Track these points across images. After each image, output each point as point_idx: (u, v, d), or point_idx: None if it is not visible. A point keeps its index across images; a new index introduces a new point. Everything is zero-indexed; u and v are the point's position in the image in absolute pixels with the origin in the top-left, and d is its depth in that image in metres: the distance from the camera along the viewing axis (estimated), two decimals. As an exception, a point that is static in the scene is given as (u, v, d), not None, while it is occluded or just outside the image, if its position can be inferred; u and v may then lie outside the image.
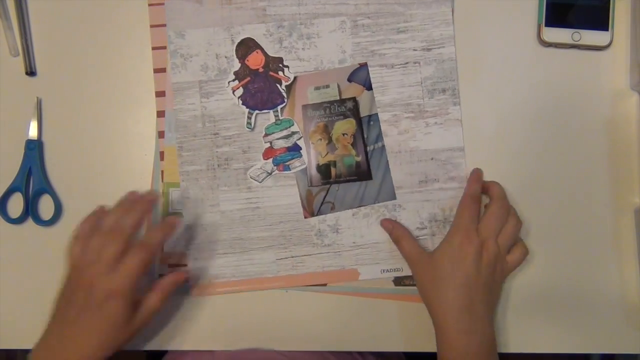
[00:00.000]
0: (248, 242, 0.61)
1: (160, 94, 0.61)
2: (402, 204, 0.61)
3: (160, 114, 0.61)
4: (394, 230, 0.59)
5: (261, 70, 0.60)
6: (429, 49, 0.60)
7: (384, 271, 0.60)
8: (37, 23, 0.61)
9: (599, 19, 0.60)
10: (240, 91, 0.60)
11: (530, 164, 0.61)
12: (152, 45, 0.61)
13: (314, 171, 0.61)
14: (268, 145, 0.60)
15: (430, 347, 0.61)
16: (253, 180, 0.60)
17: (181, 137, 0.60)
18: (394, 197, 0.60)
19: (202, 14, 0.60)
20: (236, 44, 0.60)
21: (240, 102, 0.60)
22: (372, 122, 0.60)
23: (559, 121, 0.61)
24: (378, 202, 0.60)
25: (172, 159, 0.61)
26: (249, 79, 0.60)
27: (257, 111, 0.60)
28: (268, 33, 0.60)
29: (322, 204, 0.60)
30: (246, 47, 0.60)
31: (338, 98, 0.60)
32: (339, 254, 0.61)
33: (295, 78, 0.60)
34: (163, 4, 0.61)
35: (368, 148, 0.60)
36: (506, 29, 0.61)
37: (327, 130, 0.60)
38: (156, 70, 0.61)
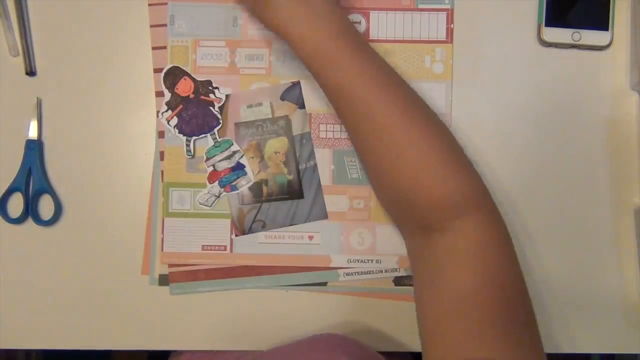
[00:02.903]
0: None
1: (159, 94, 0.61)
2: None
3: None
4: None
5: (192, 96, 0.60)
6: None
7: (350, 261, 0.60)
8: (37, 23, 0.61)
9: (599, 19, 0.60)
10: (175, 120, 0.60)
11: (530, 163, 0.61)
12: (152, 45, 0.61)
13: (245, 189, 0.60)
14: (211, 168, 0.60)
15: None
16: (203, 206, 0.60)
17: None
18: (325, 216, 0.60)
19: None
20: (163, 74, 0.60)
21: (177, 130, 0.60)
22: (304, 141, 0.60)
23: (559, 121, 0.61)
24: (309, 221, 0.60)
25: (172, 159, 0.61)
26: (181, 106, 0.60)
27: (194, 137, 0.60)
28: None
29: (252, 222, 0.60)
30: (173, 75, 0.60)
31: (270, 116, 0.60)
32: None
33: (227, 96, 0.60)
34: (164, 4, 0.61)
35: (300, 167, 0.60)
36: (506, 29, 0.61)
37: (259, 148, 0.60)
38: (156, 70, 0.61)
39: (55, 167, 0.61)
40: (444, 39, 0.61)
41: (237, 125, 0.60)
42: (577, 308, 0.61)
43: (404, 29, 0.61)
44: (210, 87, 0.60)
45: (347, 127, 0.53)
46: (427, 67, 0.61)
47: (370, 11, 0.61)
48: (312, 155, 0.60)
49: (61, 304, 0.60)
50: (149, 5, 0.61)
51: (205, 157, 0.60)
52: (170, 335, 0.61)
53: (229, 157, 0.60)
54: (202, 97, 0.60)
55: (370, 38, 0.61)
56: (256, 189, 0.60)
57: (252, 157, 0.60)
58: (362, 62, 0.50)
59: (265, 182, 0.60)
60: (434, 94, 0.61)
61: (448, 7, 0.61)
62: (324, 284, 0.61)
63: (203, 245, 0.61)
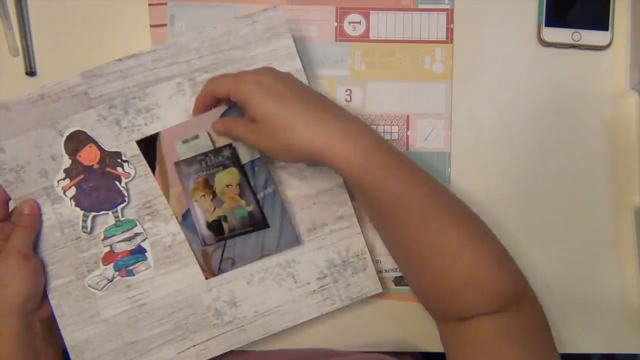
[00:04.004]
0: (142, 344, 0.56)
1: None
2: (296, 258, 0.57)
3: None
4: (224, 125, 0.52)
5: (96, 166, 0.54)
6: None
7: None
8: (37, 23, 0.61)
9: (599, 19, 0.60)
10: (72, 191, 0.54)
11: (530, 163, 0.61)
12: (152, 45, 0.61)
13: (204, 230, 0.55)
14: (108, 249, 0.55)
15: (429, 347, 0.61)
16: (92, 289, 0.55)
17: (42, 252, 0.55)
18: (297, 242, 0.56)
19: (15, 119, 0.54)
20: (64, 138, 0.54)
21: (74, 203, 0.55)
22: (256, 167, 0.55)
23: (559, 121, 0.61)
24: (280, 249, 0.56)
25: None
26: (82, 176, 0.54)
27: (93, 213, 0.55)
28: (101, 117, 0.55)
29: (221, 262, 0.56)
30: (76, 141, 0.54)
31: (212, 148, 0.55)
32: (244, 329, 0.57)
33: (157, 134, 0.55)
34: (164, 4, 0.61)
35: (258, 195, 0.55)
36: (506, 29, 0.61)
37: (208, 184, 0.55)
38: None
39: (55, 167, 0.61)
40: (444, 39, 0.61)
41: (177, 164, 0.55)
42: (577, 308, 0.61)
43: (404, 29, 0.61)
44: (119, 160, 0.55)
45: (393, 235, 0.52)
46: (427, 67, 0.61)
47: (370, 11, 0.61)
48: (269, 180, 0.55)
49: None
50: (149, 5, 0.61)
51: (102, 236, 0.55)
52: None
53: (129, 239, 0.55)
54: (108, 168, 0.55)
55: (370, 38, 0.61)
56: (216, 227, 0.55)
57: (204, 196, 0.55)
58: (410, 170, 0.50)
59: (224, 218, 0.55)
60: (433, 94, 0.61)
61: (448, 7, 0.61)
62: None
63: None
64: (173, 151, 0.55)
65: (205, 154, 0.55)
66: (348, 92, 0.61)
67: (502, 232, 0.61)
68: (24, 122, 0.54)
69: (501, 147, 0.61)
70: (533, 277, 0.60)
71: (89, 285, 0.55)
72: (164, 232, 0.56)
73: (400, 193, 0.49)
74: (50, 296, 0.55)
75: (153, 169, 0.55)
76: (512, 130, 0.61)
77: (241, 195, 0.55)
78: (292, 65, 0.56)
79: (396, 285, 0.61)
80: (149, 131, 0.55)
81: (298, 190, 0.57)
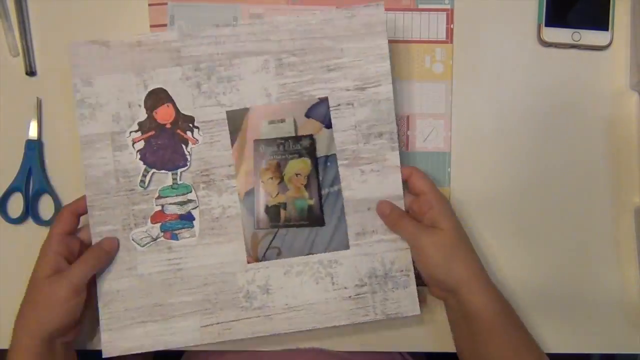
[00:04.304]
0: (169, 309, 0.56)
1: None
2: (339, 259, 0.56)
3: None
4: (391, 214, 0.55)
5: (169, 126, 0.55)
6: (363, 89, 0.55)
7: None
8: (37, 23, 0.61)
9: (599, 19, 0.60)
10: (141, 144, 0.55)
11: (530, 163, 0.61)
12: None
13: (261, 213, 0.55)
14: (159, 208, 0.55)
15: (432, 347, 0.61)
16: (135, 243, 0.55)
17: (92, 195, 0.55)
18: (347, 247, 0.56)
19: (111, 58, 0.55)
20: (146, 92, 0.55)
21: (139, 156, 0.55)
22: (329, 164, 0.56)
23: (559, 121, 0.61)
24: (330, 251, 0.56)
25: None
26: (153, 132, 0.55)
27: (154, 170, 0.55)
28: (184, 77, 0.55)
29: (267, 249, 0.56)
30: (156, 97, 0.55)
31: (294, 134, 0.56)
32: (270, 318, 0.56)
33: (247, 109, 0.55)
34: (164, 4, 0.61)
35: (323, 191, 0.55)
36: (506, 29, 0.61)
37: (279, 169, 0.55)
38: None
39: (55, 167, 0.61)
40: (444, 39, 0.61)
41: (257, 142, 0.56)
42: (577, 308, 0.61)
43: (404, 29, 0.61)
44: (190, 124, 0.55)
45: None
46: (427, 67, 0.61)
47: None
48: (336, 179, 0.55)
49: (61, 304, 0.60)
50: (149, 5, 0.61)
51: (157, 194, 0.56)
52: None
53: (181, 204, 0.55)
54: (179, 131, 0.55)
55: None
56: (273, 212, 0.56)
57: (271, 178, 0.56)
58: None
59: (284, 205, 0.56)
60: (434, 94, 0.61)
61: (448, 7, 0.61)
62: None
63: None
64: (257, 129, 0.56)
65: (286, 139, 0.56)
66: None
67: (502, 232, 0.61)
68: (117, 64, 0.55)
69: (501, 147, 0.61)
70: (533, 277, 0.60)
71: (132, 239, 0.55)
72: (215, 203, 0.56)
73: (519, 328, 0.55)
74: (93, 240, 0.55)
75: (232, 142, 0.56)
76: (512, 130, 0.61)
77: (307, 187, 0.56)
78: (381, 66, 0.56)
79: None
80: (225, 101, 0.55)
81: (356, 192, 0.56)
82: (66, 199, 0.60)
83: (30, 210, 0.60)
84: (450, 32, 0.61)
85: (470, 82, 0.61)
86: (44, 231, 0.60)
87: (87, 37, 0.60)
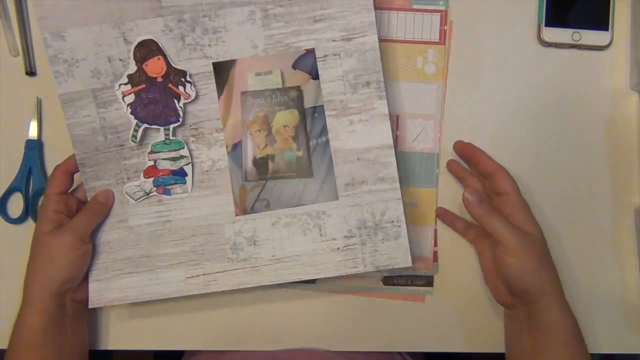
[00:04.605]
0: (155, 260, 0.56)
1: None
2: (327, 211, 0.55)
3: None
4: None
5: (160, 79, 0.54)
6: (349, 39, 0.55)
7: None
8: (37, 23, 0.61)
9: (599, 19, 0.60)
10: (131, 97, 0.54)
11: (530, 163, 0.61)
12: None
13: (249, 165, 0.55)
14: (152, 163, 0.55)
15: (430, 347, 0.61)
16: (128, 197, 0.56)
17: (81, 153, 0.55)
18: (336, 198, 0.55)
19: (83, 8, 0.53)
20: (135, 43, 0.54)
21: (129, 110, 0.54)
22: (316, 115, 0.55)
23: (558, 121, 0.61)
24: (318, 202, 0.55)
25: None
26: (143, 86, 0.54)
27: (145, 125, 0.54)
28: (167, 29, 0.54)
29: (255, 201, 0.56)
30: (147, 49, 0.53)
31: (281, 86, 0.55)
32: (257, 270, 0.56)
33: (234, 62, 0.55)
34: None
35: (311, 142, 0.55)
36: (506, 29, 0.61)
37: (267, 120, 0.55)
38: None
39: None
40: (437, 41, 0.61)
41: (244, 94, 0.55)
42: (577, 308, 0.60)
43: (397, 29, 0.61)
44: (182, 79, 0.54)
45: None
46: (419, 67, 0.61)
47: None
48: (324, 130, 0.55)
49: (61, 304, 0.60)
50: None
51: (149, 149, 0.55)
52: (175, 335, 0.61)
53: (174, 160, 0.55)
54: (171, 85, 0.54)
55: None
56: (261, 165, 0.55)
57: (259, 130, 0.55)
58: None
59: (272, 157, 0.55)
60: (424, 95, 0.61)
61: (442, 8, 0.61)
62: (313, 281, 0.60)
63: None
64: (244, 81, 0.55)
65: (273, 91, 0.55)
66: None
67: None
68: (90, 15, 0.53)
69: (501, 146, 0.61)
70: (533, 277, 0.60)
71: (126, 192, 0.56)
72: (204, 156, 0.56)
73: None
74: (87, 195, 0.56)
75: (218, 94, 0.55)
76: (511, 130, 0.61)
77: (294, 138, 0.56)
78: (366, 17, 0.55)
79: (384, 284, 0.61)
80: (211, 53, 0.55)
81: (344, 143, 0.55)
82: (66, 199, 0.60)
83: (30, 210, 0.60)
84: (443, 34, 0.61)
85: (470, 82, 0.61)
86: (44, 231, 0.60)
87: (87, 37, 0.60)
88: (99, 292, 0.56)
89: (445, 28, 0.61)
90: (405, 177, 0.60)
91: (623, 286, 0.61)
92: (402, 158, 0.61)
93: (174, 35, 0.54)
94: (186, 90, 0.54)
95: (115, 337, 0.61)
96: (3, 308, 0.60)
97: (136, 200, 0.56)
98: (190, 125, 0.55)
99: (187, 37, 0.54)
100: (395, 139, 0.60)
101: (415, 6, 0.61)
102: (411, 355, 0.70)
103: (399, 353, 0.69)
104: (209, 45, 0.54)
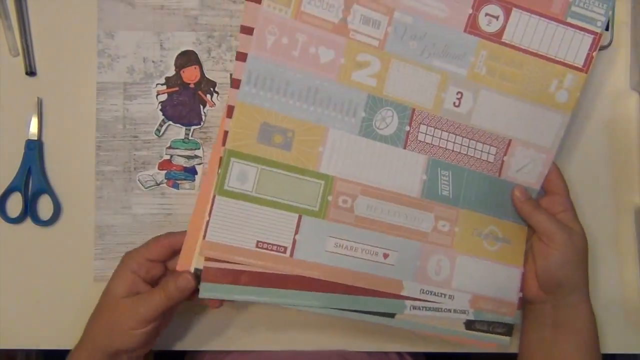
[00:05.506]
0: None
1: (247, 30, 0.51)
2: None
3: (241, 56, 0.51)
4: (527, 202, 0.54)
5: (192, 86, 0.60)
6: None
7: (423, 291, 0.54)
8: (37, 23, 0.61)
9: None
10: (164, 97, 0.60)
11: (530, 164, 0.61)
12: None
13: None
14: (168, 157, 0.60)
15: (430, 347, 0.61)
16: (139, 184, 0.59)
17: (100, 137, 0.60)
18: None
19: (134, 16, 0.60)
20: (178, 52, 0.60)
21: (160, 107, 0.60)
22: None
23: (559, 121, 0.61)
24: None
25: (242, 121, 0.51)
26: (177, 89, 0.60)
27: (170, 122, 0.60)
28: (198, 41, 0.60)
29: None
30: (187, 58, 0.60)
31: None
32: None
33: None
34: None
35: None
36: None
37: None
38: (244, 30, 0.52)
39: (55, 167, 0.61)
40: (580, 66, 0.54)
41: None
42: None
43: (542, 40, 0.54)
44: (211, 88, 0.60)
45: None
46: (551, 91, 0.54)
47: (514, 8, 0.53)
48: None
49: (61, 303, 0.60)
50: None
51: (169, 144, 0.60)
52: (175, 335, 0.61)
53: (188, 158, 0.60)
54: (201, 92, 0.60)
55: (503, 39, 0.53)
56: None
57: None
58: None
59: None
60: (546, 123, 0.55)
61: (598, 30, 0.54)
62: (392, 315, 0.53)
63: (258, 242, 0.51)
64: None
65: None
66: (459, 96, 0.54)
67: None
68: (138, 22, 0.60)
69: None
70: (533, 277, 0.60)
71: (138, 180, 0.60)
72: (208, 158, 0.59)
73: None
74: (96, 177, 0.60)
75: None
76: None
77: None
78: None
79: (467, 328, 0.55)
80: (230, 68, 0.60)
81: None
82: (66, 199, 0.60)
83: (29, 210, 0.60)
84: (589, 60, 0.54)
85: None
86: (42, 231, 0.60)
87: (87, 37, 0.61)
88: (102, 270, 0.60)
89: (593, 54, 0.54)
90: (498, 207, 0.56)
91: (623, 286, 0.61)
92: (499, 185, 0.56)
93: (203, 47, 0.60)
94: (212, 99, 0.60)
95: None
96: (3, 308, 0.60)
97: (146, 188, 0.60)
98: (200, 129, 0.60)
99: (212, 51, 0.60)
100: (500, 165, 0.55)
101: (569, 20, 0.54)
102: (411, 355, 0.70)
103: (399, 353, 0.69)
104: (230, 60, 0.60)
